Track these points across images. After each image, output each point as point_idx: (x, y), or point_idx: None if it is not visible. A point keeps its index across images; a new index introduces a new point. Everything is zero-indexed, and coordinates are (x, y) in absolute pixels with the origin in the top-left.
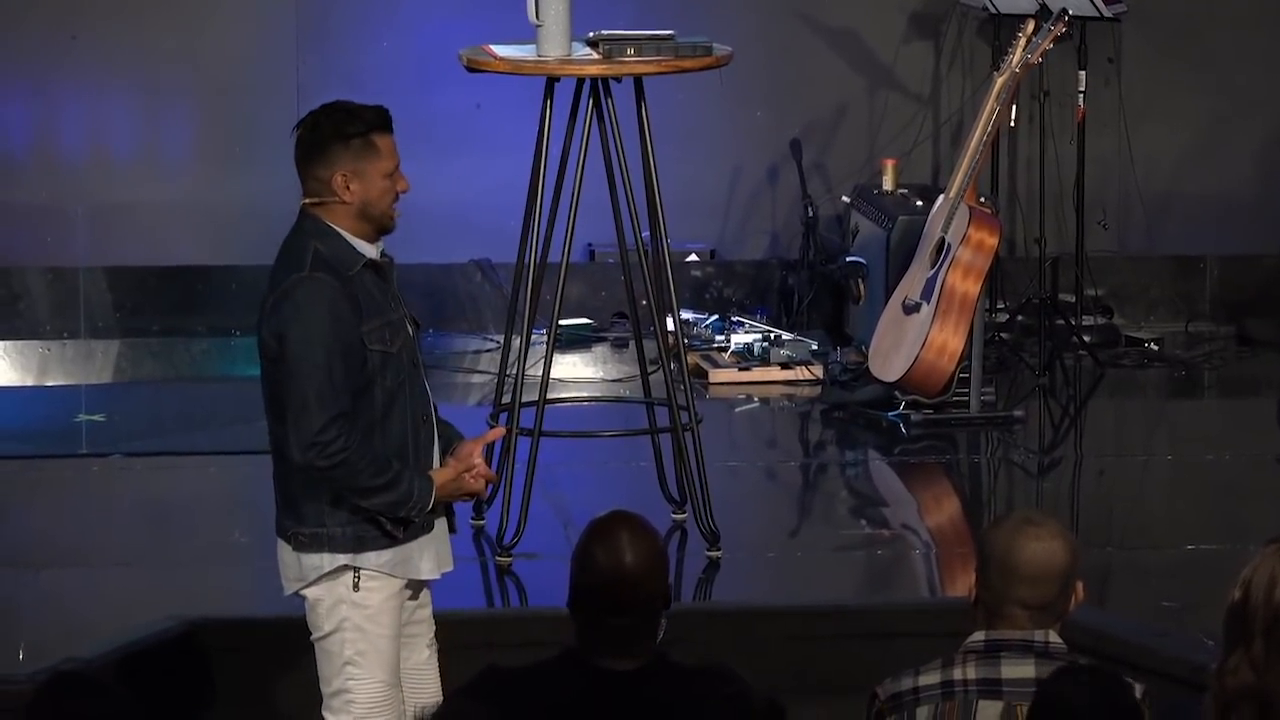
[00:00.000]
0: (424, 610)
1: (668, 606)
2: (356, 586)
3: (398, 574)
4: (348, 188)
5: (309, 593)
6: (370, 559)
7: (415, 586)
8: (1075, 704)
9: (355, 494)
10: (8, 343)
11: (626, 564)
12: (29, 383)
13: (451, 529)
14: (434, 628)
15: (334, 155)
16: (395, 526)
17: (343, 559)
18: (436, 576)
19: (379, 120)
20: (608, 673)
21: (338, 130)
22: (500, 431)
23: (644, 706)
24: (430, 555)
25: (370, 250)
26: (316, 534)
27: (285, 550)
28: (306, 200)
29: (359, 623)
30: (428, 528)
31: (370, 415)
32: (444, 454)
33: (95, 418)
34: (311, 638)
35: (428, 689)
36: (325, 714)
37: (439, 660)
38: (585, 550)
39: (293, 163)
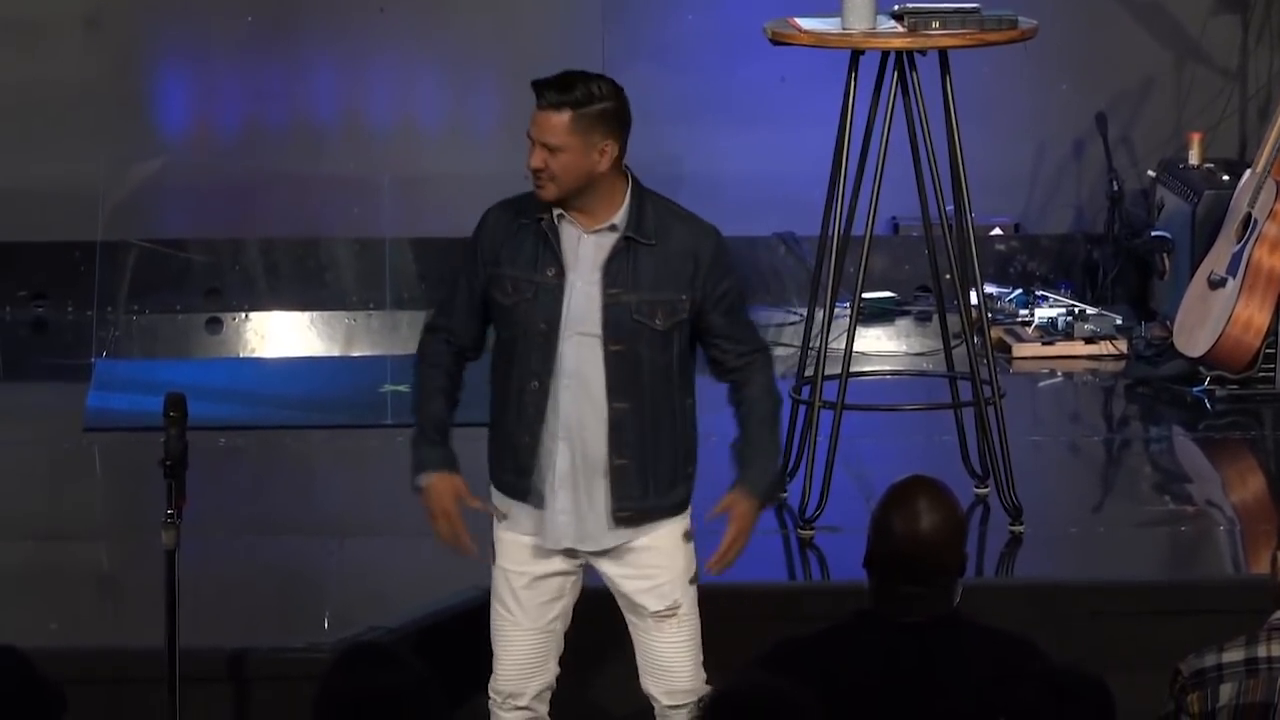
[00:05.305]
0: (629, 578)
1: (962, 574)
2: None
3: (509, 520)
4: None
5: None
6: (492, 491)
7: (585, 554)
8: None
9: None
10: (315, 313)
11: (922, 531)
12: (335, 353)
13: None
14: (668, 603)
15: None
16: (495, 469)
17: (491, 489)
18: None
19: (536, 90)
20: (900, 625)
21: None
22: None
23: (938, 656)
24: (533, 519)
25: (556, 211)
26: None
27: None
28: None
29: (493, 546)
30: (517, 493)
31: (501, 362)
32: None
33: (400, 388)
34: None
35: (650, 656)
36: None
37: (689, 628)
38: (882, 516)
39: None
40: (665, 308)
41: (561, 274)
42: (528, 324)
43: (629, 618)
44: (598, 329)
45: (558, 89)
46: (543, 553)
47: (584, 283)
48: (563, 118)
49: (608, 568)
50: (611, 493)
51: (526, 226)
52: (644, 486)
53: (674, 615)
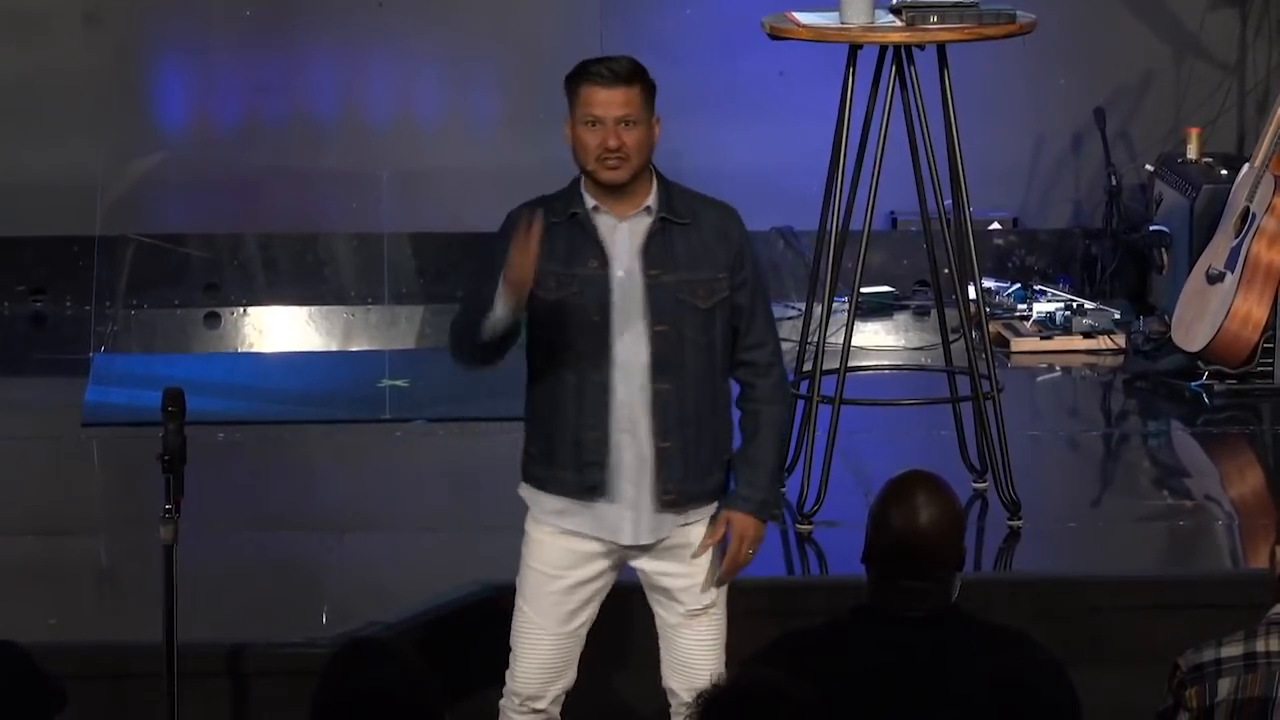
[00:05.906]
0: (670, 574)
1: (961, 569)
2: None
3: (559, 521)
4: (567, 135)
5: None
6: (531, 493)
7: (633, 549)
8: None
9: (472, 348)
10: (313, 308)
11: (921, 526)
12: (333, 348)
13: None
14: (704, 601)
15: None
16: (546, 468)
17: (525, 490)
18: (596, 536)
19: (585, 71)
20: (899, 620)
21: (565, 81)
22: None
23: (936, 651)
24: (593, 516)
25: (589, 204)
26: (524, 455)
27: None
28: None
29: (523, 549)
30: (578, 492)
31: (548, 361)
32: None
33: (399, 383)
34: None
35: (676, 652)
36: None
37: (717, 626)
38: (881, 511)
39: None
40: (705, 286)
41: (605, 264)
42: (579, 317)
43: (658, 612)
44: (642, 312)
45: (618, 64)
46: (582, 556)
47: (625, 270)
48: (637, 91)
49: (647, 564)
50: (657, 475)
51: (557, 225)
52: (684, 469)
53: (706, 613)
